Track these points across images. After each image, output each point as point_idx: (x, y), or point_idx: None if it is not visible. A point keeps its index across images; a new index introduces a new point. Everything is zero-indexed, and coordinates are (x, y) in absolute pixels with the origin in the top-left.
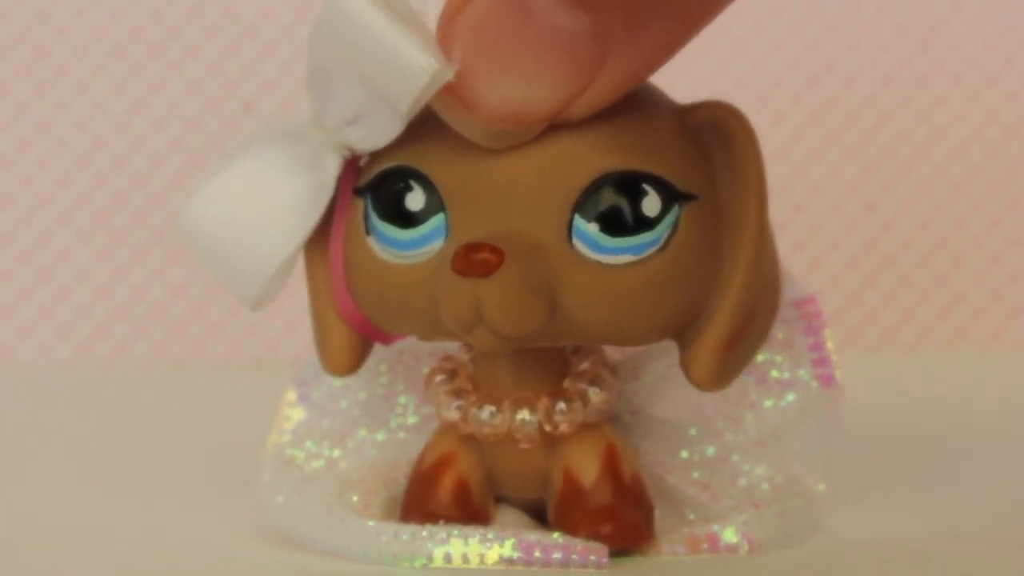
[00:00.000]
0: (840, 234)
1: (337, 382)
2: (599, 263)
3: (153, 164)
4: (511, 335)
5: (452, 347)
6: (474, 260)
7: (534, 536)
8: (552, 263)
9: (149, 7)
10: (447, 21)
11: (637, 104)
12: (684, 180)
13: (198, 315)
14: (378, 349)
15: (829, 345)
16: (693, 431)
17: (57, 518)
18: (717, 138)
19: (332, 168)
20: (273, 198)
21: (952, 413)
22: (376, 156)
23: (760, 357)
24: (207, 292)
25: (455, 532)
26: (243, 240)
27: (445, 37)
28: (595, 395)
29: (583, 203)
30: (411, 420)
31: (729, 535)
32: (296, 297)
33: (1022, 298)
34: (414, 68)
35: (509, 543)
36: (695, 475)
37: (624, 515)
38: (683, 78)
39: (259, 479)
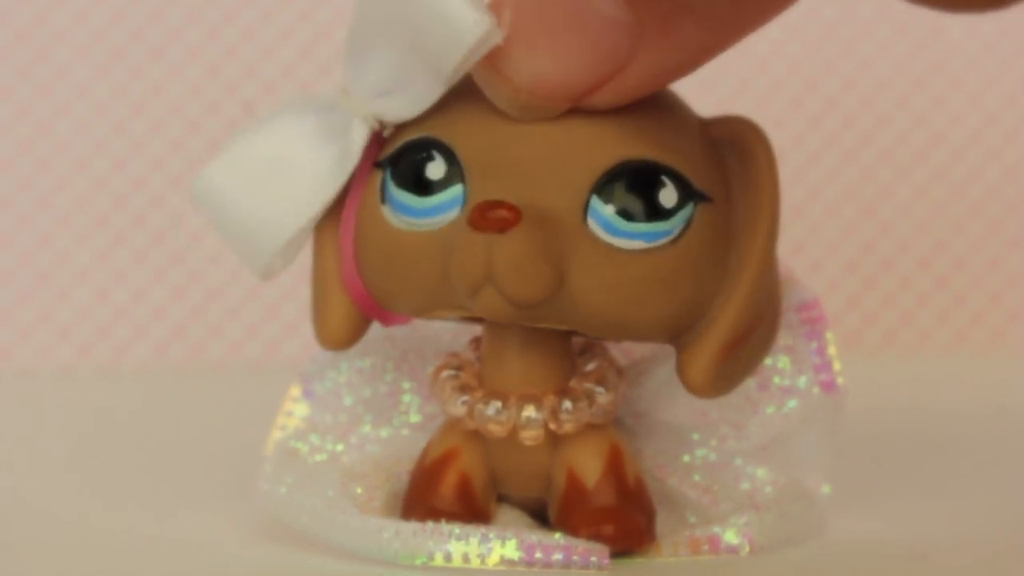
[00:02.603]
0: (839, 237)
1: (341, 378)
2: (611, 246)
3: (153, 166)
4: (517, 297)
5: (458, 345)
6: (491, 216)
7: (535, 536)
8: (565, 238)
9: (149, 9)
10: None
11: (664, 105)
12: (701, 181)
13: (198, 317)
14: (384, 347)
15: (831, 350)
16: (696, 436)
17: (57, 520)
18: (736, 152)
19: (359, 139)
20: (296, 165)
21: (952, 416)
22: (400, 129)
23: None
24: (207, 294)
25: (456, 531)
26: (261, 205)
27: (493, 5)
28: (601, 396)
29: (602, 185)
30: (414, 419)
31: (730, 536)
32: (297, 299)
33: (1022, 301)
34: (467, 23)
35: (511, 543)
36: (696, 478)
37: (626, 517)
38: (685, 80)
39: (261, 471)
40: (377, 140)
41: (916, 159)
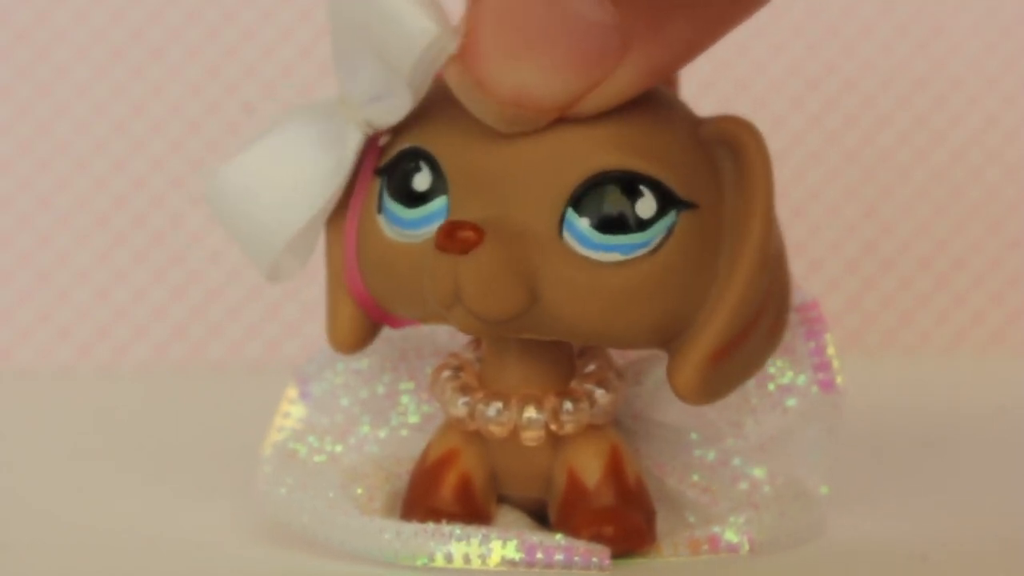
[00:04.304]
0: (839, 237)
1: (338, 379)
2: (586, 259)
3: (153, 166)
4: (484, 315)
5: (456, 345)
6: (456, 237)
7: (536, 537)
8: (538, 252)
9: (149, 9)
10: (475, 2)
11: (652, 107)
12: (686, 188)
13: (198, 317)
14: (381, 348)
15: (830, 350)
16: (694, 436)
17: (57, 520)
18: (728, 151)
19: (353, 145)
20: (296, 171)
21: (951, 416)
22: (397, 137)
23: None
24: (207, 294)
25: (457, 532)
26: (263, 209)
27: (471, 17)
28: (602, 397)
29: (578, 198)
30: (412, 419)
31: (730, 535)
32: (297, 299)
33: (1022, 301)
34: (414, 31)
35: (511, 544)
36: (695, 478)
37: (627, 517)
38: (683, 80)
39: (260, 473)
40: (375, 146)
41: (916, 159)
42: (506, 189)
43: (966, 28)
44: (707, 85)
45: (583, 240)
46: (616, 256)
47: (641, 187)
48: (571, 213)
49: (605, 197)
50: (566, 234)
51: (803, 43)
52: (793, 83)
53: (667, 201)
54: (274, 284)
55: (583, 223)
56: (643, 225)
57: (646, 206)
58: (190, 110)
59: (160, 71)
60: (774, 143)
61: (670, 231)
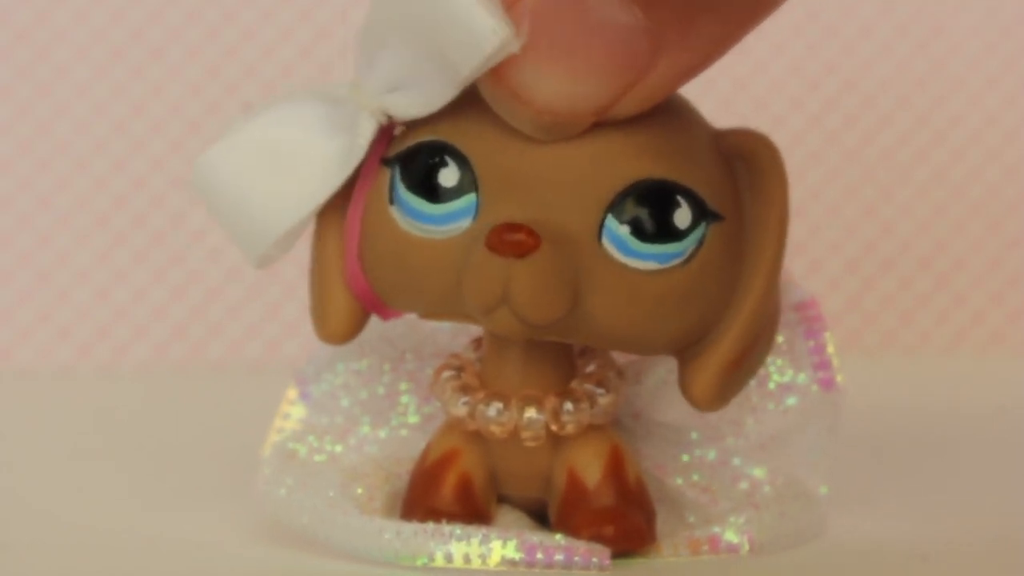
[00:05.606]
0: (839, 237)
1: (338, 380)
2: (624, 266)
3: (153, 166)
4: (534, 320)
5: (459, 346)
6: (510, 240)
7: (536, 537)
8: (580, 257)
9: (149, 9)
10: (505, 11)
11: (680, 118)
12: (714, 199)
13: (198, 317)
14: (381, 348)
15: (830, 349)
16: (694, 435)
17: (57, 520)
18: (746, 165)
19: (366, 133)
20: (301, 155)
21: (952, 416)
22: (413, 128)
23: None
24: (207, 294)
25: (457, 532)
26: (263, 193)
27: (509, 11)
28: (602, 397)
29: (618, 204)
30: (412, 419)
31: (730, 535)
32: (297, 299)
33: (1022, 301)
34: (485, 31)
35: (511, 544)
36: (695, 478)
37: (627, 517)
38: None
39: (260, 473)
40: (386, 135)
41: (916, 159)
42: (543, 192)
43: (966, 28)
44: (707, 85)
45: (622, 247)
46: (653, 265)
47: (678, 197)
48: (610, 220)
49: (644, 205)
50: (605, 240)
51: (803, 43)
52: (793, 83)
53: (700, 212)
54: (268, 283)
55: (623, 230)
56: (679, 235)
57: (683, 216)
58: (190, 110)
59: (160, 71)
60: (774, 143)
61: (701, 242)
